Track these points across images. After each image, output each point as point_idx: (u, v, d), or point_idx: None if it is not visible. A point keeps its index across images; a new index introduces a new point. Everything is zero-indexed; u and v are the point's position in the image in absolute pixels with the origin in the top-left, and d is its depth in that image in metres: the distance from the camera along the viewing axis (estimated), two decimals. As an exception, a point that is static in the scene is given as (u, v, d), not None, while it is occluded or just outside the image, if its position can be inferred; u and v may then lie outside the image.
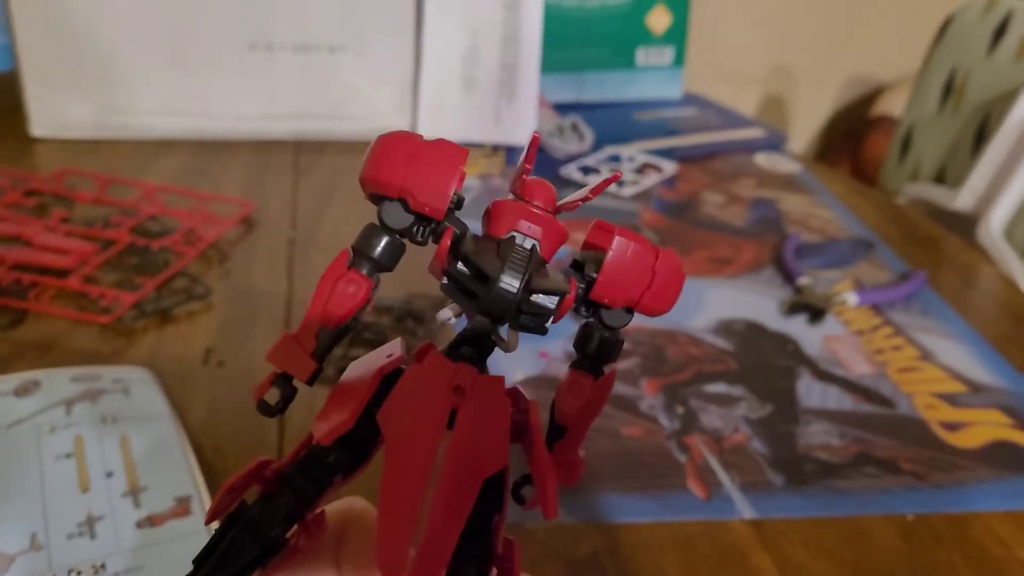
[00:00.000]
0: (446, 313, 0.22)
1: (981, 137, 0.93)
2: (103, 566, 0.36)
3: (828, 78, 1.68)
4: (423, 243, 0.22)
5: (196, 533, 0.39)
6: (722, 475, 0.48)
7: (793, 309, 0.65)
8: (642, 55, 1.05)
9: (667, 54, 1.07)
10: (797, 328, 0.63)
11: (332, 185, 0.79)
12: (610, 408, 0.52)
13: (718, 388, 0.55)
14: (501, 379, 0.21)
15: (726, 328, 0.62)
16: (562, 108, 0.97)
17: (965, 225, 0.86)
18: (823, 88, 1.69)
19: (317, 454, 0.22)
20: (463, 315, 0.22)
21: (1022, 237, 0.84)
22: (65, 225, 0.65)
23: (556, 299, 0.22)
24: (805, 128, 1.72)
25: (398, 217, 0.21)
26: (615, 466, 0.48)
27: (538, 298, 0.21)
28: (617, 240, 0.22)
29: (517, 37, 0.88)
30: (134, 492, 0.40)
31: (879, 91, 1.69)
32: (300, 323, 0.22)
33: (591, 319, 0.23)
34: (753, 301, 0.66)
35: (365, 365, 0.22)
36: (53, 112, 0.82)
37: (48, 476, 0.40)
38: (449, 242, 0.21)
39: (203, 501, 0.40)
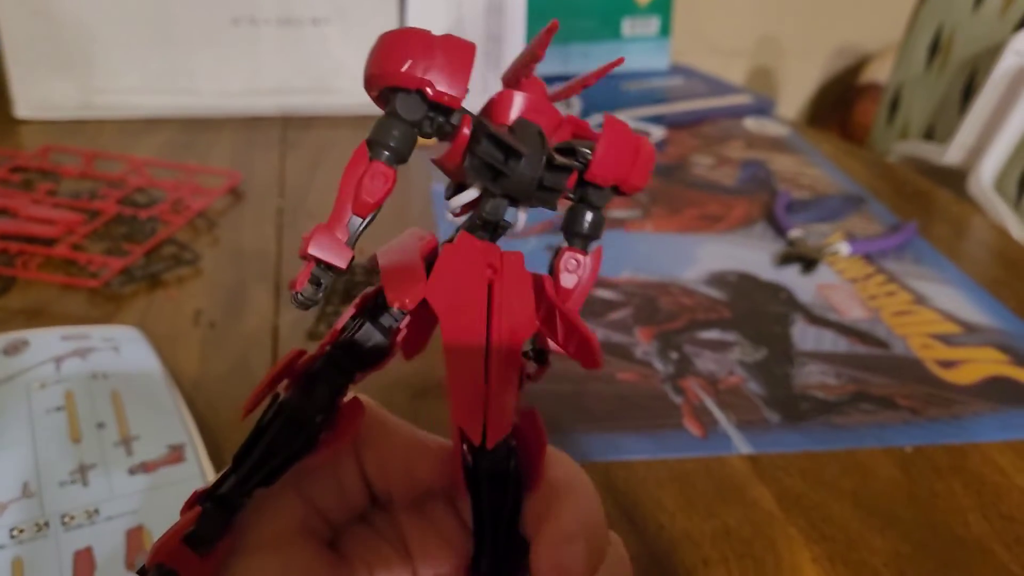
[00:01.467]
0: (463, 198, 0.23)
1: (969, 92, 0.93)
2: (96, 511, 0.36)
3: (815, 48, 1.68)
4: (430, 135, 0.22)
5: (190, 479, 0.38)
6: (718, 414, 0.48)
7: (785, 260, 0.65)
8: (628, 26, 1.05)
9: (653, 24, 1.06)
10: (790, 278, 0.62)
11: (319, 158, 0.78)
12: (604, 354, 0.52)
13: (711, 335, 0.55)
14: (520, 254, 0.23)
15: (718, 279, 0.62)
16: (548, 79, 0.96)
17: (954, 180, 0.86)
18: (810, 58, 1.69)
19: (350, 344, 0.23)
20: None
21: (1012, 187, 0.84)
22: (52, 198, 0.64)
23: (567, 175, 0.23)
24: (793, 98, 1.72)
25: (415, 108, 0.22)
26: (611, 408, 0.48)
27: (554, 174, 0.22)
28: (608, 120, 0.23)
29: (502, 8, 0.87)
30: (126, 441, 0.40)
31: (866, 60, 1.69)
32: (329, 217, 0.22)
33: (578, 200, 0.24)
34: (745, 254, 0.66)
35: (400, 247, 0.23)
36: (37, 93, 0.81)
37: (39, 428, 0.40)
38: (468, 129, 0.22)
39: (196, 448, 0.40)
